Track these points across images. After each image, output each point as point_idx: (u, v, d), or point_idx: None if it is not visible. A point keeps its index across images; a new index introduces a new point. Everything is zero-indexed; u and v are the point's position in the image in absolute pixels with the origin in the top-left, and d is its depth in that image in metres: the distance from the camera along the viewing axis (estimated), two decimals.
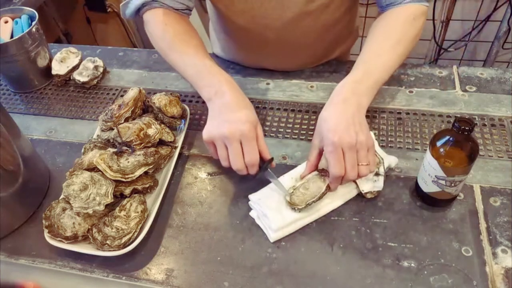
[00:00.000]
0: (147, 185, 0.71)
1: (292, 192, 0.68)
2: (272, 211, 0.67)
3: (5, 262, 0.67)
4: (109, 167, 0.69)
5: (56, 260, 0.67)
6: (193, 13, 0.89)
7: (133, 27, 2.18)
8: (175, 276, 0.64)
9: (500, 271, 0.61)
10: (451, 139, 0.61)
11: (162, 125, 0.79)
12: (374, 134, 0.81)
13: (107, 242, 0.63)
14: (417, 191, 0.70)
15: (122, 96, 0.92)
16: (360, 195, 0.70)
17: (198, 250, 0.67)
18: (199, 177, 0.77)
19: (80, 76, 0.98)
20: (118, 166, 0.70)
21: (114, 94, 0.97)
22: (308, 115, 0.87)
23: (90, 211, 0.65)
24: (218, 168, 0.78)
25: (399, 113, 0.85)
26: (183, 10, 0.84)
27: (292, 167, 0.75)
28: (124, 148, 0.73)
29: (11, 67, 0.95)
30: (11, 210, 0.71)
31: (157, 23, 0.81)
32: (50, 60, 1.01)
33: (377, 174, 0.70)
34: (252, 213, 0.70)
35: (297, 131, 0.84)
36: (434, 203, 0.68)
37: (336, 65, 0.98)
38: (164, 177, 0.74)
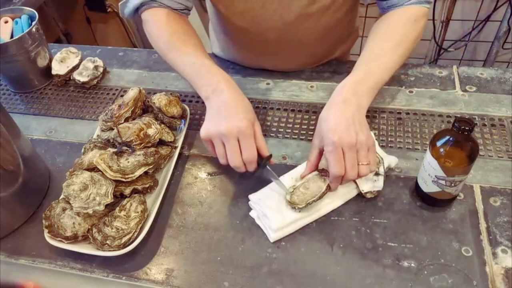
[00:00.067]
0: (147, 185, 0.71)
1: (292, 191, 0.68)
2: (272, 211, 0.67)
3: (5, 262, 0.67)
4: (109, 167, 0.69)
5: (56, 260, 0.67)
6: (193, 13, 0.89)
7: (133, 27, 2.18)
8: (175, 276, 0.64)
9: (500, 271, 0.61)
10: (451, 139, 0.61)
11: (162, 125, 0.79)
12: (374, 134, 0.81)
13: (107, 242, 0.63)
14: (417, 191, 0.70)
15: (122, 96, 0.92)
16: (360, 195, 0.70)
17: (198, 250, 0.67)
18: (199, 177, 0.77)
19: (80, 76, 0.98)
20: (118, 166, 0.70)
21: (114, 94, 0.97)
22: (308, 115, 0.87)
23: (90, 211, 0.65)
24: (218, 168, 0.78)
25: (399, 113, 0.85)
26: (181, 10, 0.84)
27: (292, 167, 0.75)
28: (124, 148, 0.73)
29: (11, 67, 0.95)
30: (11, 210, 0.71)
31: (155, 23, 0.81)
32: (50, 60, 1.01)
33: (377, 174, 0.70)
34: (252, 213, 0.70)
35: (297, 131, 0.84)
36: (434, 203, 0.68)
37: (336, 65, 0.98)
38: (164, 177, 0.74)
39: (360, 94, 0.69)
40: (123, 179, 0.69)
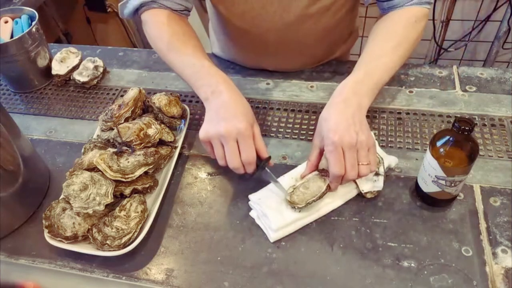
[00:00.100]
0: (147, 185, 0.71)
1: (292, 191, 0.68)
2: (272, 211, 0.67)
3: (5, 262, 0.67)
4: (109, 167, 0.69)
5: (56, 260, 0.67)
6: (193, 13, 0.89)
7: (133, 27, 2.18)
8: (175, 276, 0.64)
9: (500, 271, 0.61)
10: (451, 139, 0.61)
11: (162, 125, 0.79)
12: (374, 134, 0.81)
13: (107, 242, 0.63)
14: (417, 191, 0.70)
15: (122, 96, 0.92)
16: (360, 195, 0.70)
17: (198, 250, 0.67)
18: (199, 177, 0.77)
19: (80, 76, 0.98)
20: (118, 166, 0.70)
21: (114, 94, 0.97)
22: (308, 115, 0.87)
23: (90, 211, 0.65)
24: (218, 168, 0.78)
25: (399, 113, 0.85)
26: (181, 11, 0.84)
27: (292, 167, 0.75)
28: (124, 148, 0.73)
29: (11, 67, 0.95)
30: (11, 210, 0.71)
31: (155, 23, 0.81)
32: (50, 60, 1.01)
33: (377, 174, 0.70)
34: (252, 213, 0.70)
35: (297, 131, 0.84)
36: (434, 203, 0.68)
37: (336, 65, 0.98)
38: (164, 177, 0.74)
39: (360, 94, 0.69)
40: (123, 179, 0.69)
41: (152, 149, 0.74)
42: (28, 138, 0.84)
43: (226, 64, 1.01)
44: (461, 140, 0.61)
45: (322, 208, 0.69)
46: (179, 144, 0.79)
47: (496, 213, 0.67)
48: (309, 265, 0.63)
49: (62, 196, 0.68)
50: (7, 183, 0.69)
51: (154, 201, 0.71)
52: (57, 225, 0.66)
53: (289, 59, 0.94)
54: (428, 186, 0.66)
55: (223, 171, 0.77)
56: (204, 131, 0.69)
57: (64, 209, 0.67)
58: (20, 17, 0.98)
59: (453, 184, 0.63)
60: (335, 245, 0.65)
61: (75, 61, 1.01)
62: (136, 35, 2.21)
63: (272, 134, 0.84)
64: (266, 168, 0.70)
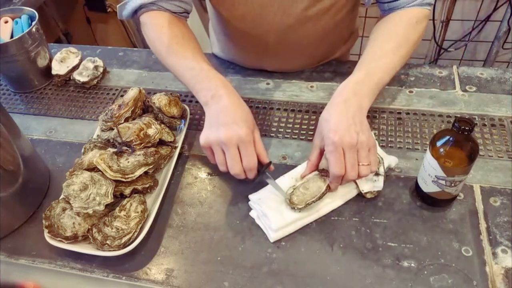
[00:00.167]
0: (147, 185, 0.71)
1: (292, 191, 0.68)
2: (272, 211, 0.67)
3: (5, 262, 0.67)
4: (109, 167, 0.69)
5: (56, 260, 0.67)
6: (193, 13, 0.89)
7: (133, 27, 2.18)
8: (175, 276, 0.64)
9: (500, 271, 0.61)
10: (451, 139, 0.61)
11: (162, 125, 0.79)
12: (374, 134, 0.81)
13: (107, 242, 0.63)
14: (417, 191, 0.70)
15: (122, 96, 0.92)
16: (360, 195, 0.70)
17: (198, 250, 0.67)
18: (199, 177, 0.77)
19: (80, 76, 0.98)
20: (118, 166, 0.70)
21: (114, 94, 0.97)
22: (308, 115, 0.87)
23: (90, 211, 0.65)
24: (218, 168, 0.77)
25: (399, 113, 0.85)
26: (181, 13, 0.83)
27: (292, 167, 0.75)
28: (124, 148, 0.73)
29: (11, 67, 0.95)
30: (11, 210, 0.71)
31: (154, 26, 0.81)
32: (50, 60, 1.01)
33: (377, 174, 0.70)
34: (252, 213, 0.70)
35: (297, 131, 0.84)
36: (434, 203, 0.68)
37: (336, 65, 0.98)
38: (164, 177, 0.74)
39: (361, 95, 0.69)
40: (123, 179, 0.69)
41: (152, 149, 0.74)
42: (28, 138, 0.84)
43: (226, 65, 1.01)
44: (461, 140, 0.61)
45: (322, 208, 0.69)
46: (179, 144, 0.79)
47: (496, 213, 0.67)
48: (309, 265, 0.63)
49: (62, 196, 0.68)
50: (7, 183, 0.69)
51: (154, 201, 0.71)
52: (57, 225, 0.66)
53: (289, 59, 0.94)
54: (428, 186, 0.66)
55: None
56: (205, 137, 0.69)
57: (64, 209, 0.67)
58: (20, 17, 0.98)
59: (453, 184, 0.63)
60: (335, 245, 0.65)
61: (75, 61, 1.01)
62: (136, 35, 2.21)
63: (272, 134, 0.84)
64: (267, 173, 0.70)
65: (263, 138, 0.71)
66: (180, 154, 0.80)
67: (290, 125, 0.85)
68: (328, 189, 0.68)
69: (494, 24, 1.91)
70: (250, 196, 0.71)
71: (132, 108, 0.80)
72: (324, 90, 0.92)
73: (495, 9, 1.88)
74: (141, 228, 0.66)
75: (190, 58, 0.77)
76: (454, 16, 1.94)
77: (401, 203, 0.70)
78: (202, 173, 0.78)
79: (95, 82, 0.99)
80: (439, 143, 0.62)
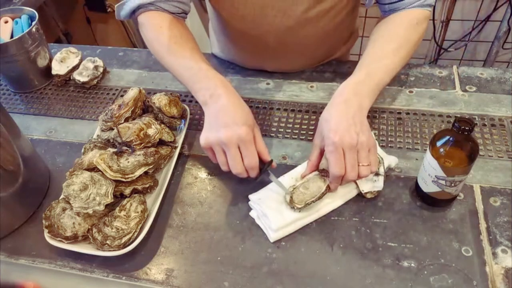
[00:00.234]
0: (147, 185, 0.71)
1: (292, 191, 0.68)
2: (272, 211, 0.67)
3: (5, 262, 0.67)
4: (109, 167, 0.69)
5: (56, 260, 0.67)
6: (193, 13, 0.89)
7: (133, 27, 2.18)
8: (175, 276, 0.64)
9: (500, 271, 0.61)
10: (451, 139, 0.61)
11: (162, 125, 0.79)
12: (374, 134, 0.81)
13: (107, 242, 0.63)
14: (417, 191, 0.70)
15: (122, 96, 0.92)
16: (360, 195, 0.70)
17: (198, 250, 0.67)
18: (199, 177, 0.77)
19: (80, 76, 0.98)
20: (118, 166, 0.70)
21: (114, 94, 0.97)
22: (308, 115, 0.87)
23: (90, 211, 0.65)
24: (218, 168, 0.77)
25: (399, 113, 0.85)
26: (179, 14, 0.83)
27: (292, 167, 0.75)
28: (124, 148, 0.73)
29: (11, 67, 0.95)
30: (11, 210, 0.71)
31: (152, 26, 0.81)
32: (50, 60, 1.01)
33: (377, 174, 0.70)
34: (252, 213, 0.70)
35: (297, 131, 0.84)
36: (434, 203, 0.68)
37: (336, 65, 0.98)
38: (164, 177, 0.74)
39: (361, 95, 0.69)
40: (123, 179, 0.69)
41: (152, 149, 0.74)
42: (28, 138, 0.84)
43: (226, 65, 1.01)
44: (461, 140, 0.61)
45: (322, 208, 0.69)
46: (179, 144, 0.79)
47: (496, 213, 0.67)
48: (309, 265, 0.63)
49: (62, 196, 0.68)
50: (7, 183, 0.69)
51: (154, 201, 0.71)
52: (57, 225, 0.66)
53: (289, 60, 0.94)
54: (428, 186, 0.66)
55: (223, 171, 0.77)
56: (205, 138, 0.69)
57: (64, 209, 0.67)
58: (20, 17, 0.98)
59: (453, 184, 0.63)
60: (335, 245, 0.65)
61: (75, 61, 1.01)
62: (136, 35, 2.21)
63: (272, 134, 0.84)
64: (269, 170, 0.70)
65: (263, 138, 0.71)
66: (180, 154, 0.80)
67: (290, 125, 0.85)
68: (328, 189, 0.68)
69: (494, 24, 1.91)
70: (250, 196, 0.71)
71: (132, 108, 0.80)
72: (324, 90, 0.92)
73: (495, 9, 1.88)
74: (141, 228, 0.66)
75: (189, 57, 0.76)
76: (454, 16, 1.94)
77: (401, 203, 0.70)
78: (202, 173, 0.78)
79: (95, 82, 0.99)
80: (439, 143, 0.62)
